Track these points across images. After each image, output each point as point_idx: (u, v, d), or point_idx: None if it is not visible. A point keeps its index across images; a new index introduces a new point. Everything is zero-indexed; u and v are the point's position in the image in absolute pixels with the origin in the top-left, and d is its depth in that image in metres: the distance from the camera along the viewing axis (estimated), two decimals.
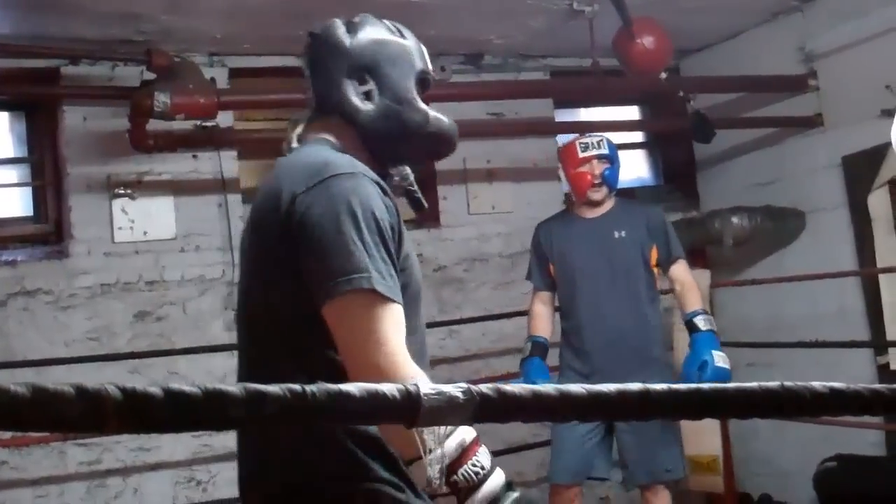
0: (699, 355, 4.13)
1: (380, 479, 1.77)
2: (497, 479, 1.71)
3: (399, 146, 2.01)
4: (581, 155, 4.42)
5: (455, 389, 0.78)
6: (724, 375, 4.11)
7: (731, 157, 5.97)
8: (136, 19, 4.50)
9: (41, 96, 4.98)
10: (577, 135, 4.58)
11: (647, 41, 4.72)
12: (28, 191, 5.06)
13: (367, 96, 1.97)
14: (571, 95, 6.13)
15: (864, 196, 5.04)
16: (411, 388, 0.77)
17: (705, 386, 0.86)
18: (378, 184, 1.82)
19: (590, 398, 0.78)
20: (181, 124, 4.62)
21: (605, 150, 4.40)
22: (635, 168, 6.44)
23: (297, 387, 0.76)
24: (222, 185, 5.05)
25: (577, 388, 0.80)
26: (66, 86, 4.87)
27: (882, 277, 4.98)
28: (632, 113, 6.51)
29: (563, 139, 5.95)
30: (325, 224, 1.73)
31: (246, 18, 4.65)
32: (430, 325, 5.29)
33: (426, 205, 2.15)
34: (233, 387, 0.77)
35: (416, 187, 2.07)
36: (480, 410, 0.79)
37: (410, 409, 0.77)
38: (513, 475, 5.45)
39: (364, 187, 1.77)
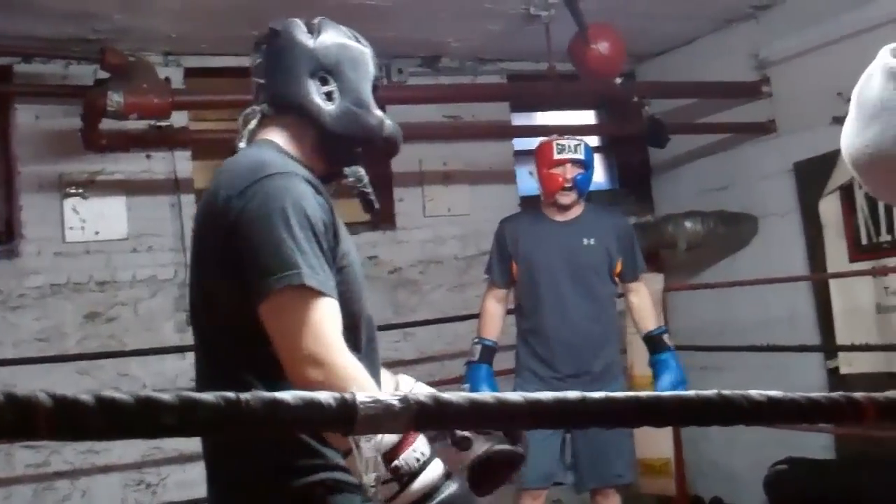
0: (680, 371, 4.25)
1: (336, 467, 1.80)
2: (437, 467, 1.74)
3: (354, 146, 2.05)
4: (556, 156, 4.35)
5: (392, 398, 0.78)
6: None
7: (685, 162, 6.02)
8: (90, 18, 4.45)
9: None
10: (555, 135, 4.49)
11: (602, 46, 4.75)
12: None
13: (329, 97, 1.99)
14: (528, 99, 6.15)
15: (815, 202, 5.10)
16: (347, 397, 0.77)
17: (643, 394, 0.86)
18: (311, 183, 1.85)
19: (528, 406, 0.79)
20: (135, 124, 4.58)
21: (580, 155, 4.35)
22: None
23: (231, 395, 0.75)
24: (176, 186, 5.01)
25: (515, 396, 0.80)
26: (19, 84, 4.81)
27: (832, 283, 5.04)
28: (588, 117, 6.54)
29: (518, 143, 6.00)
30: (257, 224, 1.76)
31: (201, 18, 4.62)
32: (385, 328, 5.30)
33: (378, 205, 2.19)
34: (165, 395, 0.76)
35: (369, 189, 2.11)
36: (418, 419, 0.79)
37: (347, 418, 0.77)
38: None
39: (296, 186, 1.80)
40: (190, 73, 5.13)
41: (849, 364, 5.02)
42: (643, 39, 5.64)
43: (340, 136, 2.01)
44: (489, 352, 4.40)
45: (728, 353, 5.58)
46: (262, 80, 2.05)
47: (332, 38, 2.07)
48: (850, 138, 1.33)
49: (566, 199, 4.31)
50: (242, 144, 2.01)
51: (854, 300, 4.95)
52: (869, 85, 1.32)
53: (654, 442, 5.30)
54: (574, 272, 4.28)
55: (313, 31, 2.07)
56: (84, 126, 4.54)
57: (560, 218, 4.38)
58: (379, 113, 2.08)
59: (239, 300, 1.78)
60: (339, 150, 2.03)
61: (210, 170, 5.26)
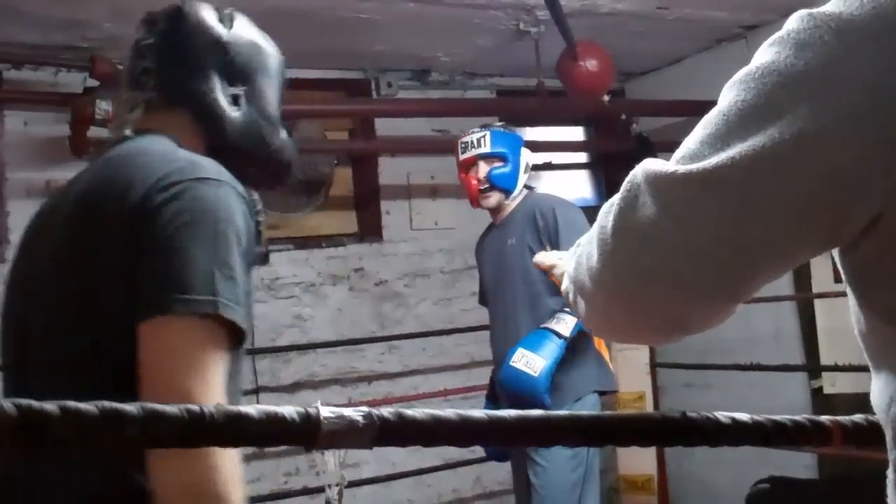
0: (513, 349, 3.58)
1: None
2: None
3: (248, 164, 1.71)
4: (461, 157, 3.89)
5: (355, 413, 0.79)
6: (510, 376, 3.55)
7: None
8: (80, 26, 4.45)
9: None
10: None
11: (590, 64, 4.77)
12: None
13: (235, 101, 1.69)
14: (516, 115, 6.13)
15: None
16: (311, 412, 0.78)
17: (605, 414, 0.87)
18: (243, 197, 1.53)
19: (490, 424, 0.79)
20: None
21: (486, 149, 3.80)
22: (579, 188, 6.49)
23: (195, 408, 0.75)
24: None
25: (478, 413, 0.80)
26: (8, 90, 4.81)
27: (817, 303, 5.06)
28: (576, 134, 6.56)
29: None
30: (181, 232, 1.42)
31: None
32: (370, 340, 5.32)
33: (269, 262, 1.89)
34: (130, 406, 0.77)
35: (262, 216, 1.72)
36: (380, 434, 0.79)
37: (309, 433, 0.77)
38: (449, 492, 5.49)
39: (231, 199, 1.49)
40: None
41: (832, 384, 5.03)
42: (632, 57, 5.67)
43: (239, 148, 1.69)
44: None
45: (713, 371, 5.59)
46: (150, 64, 1.69)
47: (248, 34, 1.77)
48: None
49: (487, 201, 3.83)
50: (128, 132, 1.68)
51: (839, 320, 4.96)
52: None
53: (637, 459, 5.30)
54: (504, 279, 3.84)
55: (227, 21, 1.76)
56: (72, 133, 4.53)
57: (497, 222, 3.95)
58: (283, 132, 1.79)
59: (119, 307, 1.41)
60: (231, 164, 1.60)
61: None
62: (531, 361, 3.47)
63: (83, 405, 0.80)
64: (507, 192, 3.82)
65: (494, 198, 3.82)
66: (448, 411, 0.83)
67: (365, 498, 5.13)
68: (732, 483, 5.31)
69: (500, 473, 5.67)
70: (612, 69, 4.97)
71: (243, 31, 1.75)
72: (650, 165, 1.07)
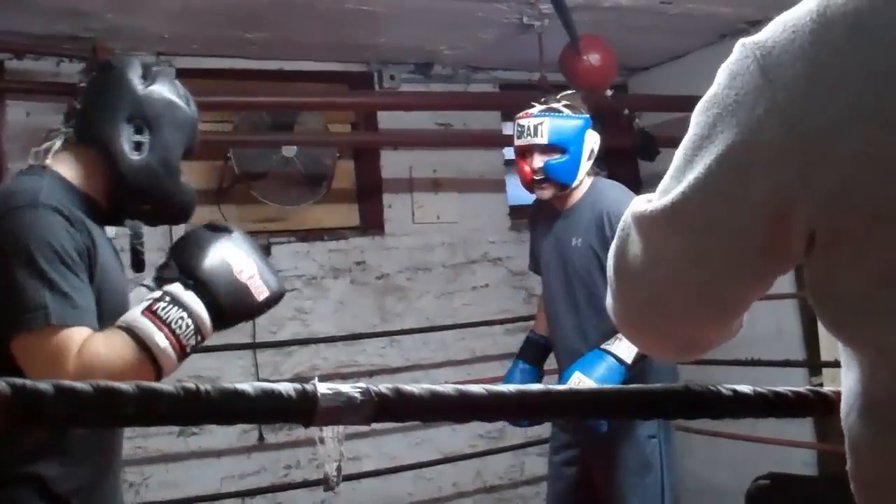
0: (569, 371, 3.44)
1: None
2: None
3: (142, 203, 2.03)
4: (516, 141, 3.66)
5: (353, 389, 0.78)
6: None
7: None
8: (82, 16, 4.44)
9: None
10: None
11: (593, 58, 4.75)
12: None
13: (138, 147, 1.98)
14: (519, 109, 6.12)
15: None
16: (308, 388, 0.77)
17: (607, 388, 0.86)
18: (62, 213, 1.81)
19: (490, 398, 0.79)
20: None
21: (542, 139, 3.53)
22: None
23: (191, 385, 0.75)
24: None
25: (477, 388, 0.80)
26: (10, 80, 4.80)
27: None
28: None
29: (509, 152, 5.99)
30: (2, 259, 1.75)
31: (194, 19, 4.61)
32: (372, 335, 5.31)
33: (144, 269, 2.16)
34: (126, 384, 0.76)
35: (142, 248, 2.11)
36: (379, 411, 0.79)
37: (307, 409, 0.77)
38: (449, 486, 5.48)
39: (41, 219, 1.77)
40: (182, 73, 5.06)
41: (832, 381, 5.02)
42: (635, 52, 5.66)
43: (133, 188, 1.99)
44: (531, 346, 3.93)
45: (713, 367, 5.55)
46: (77, 105, 2.03)
47: (164, 92, 2.05)
48: None
49: (542, 193, 3.62)
50: (31, 160, 1.99)
51: None
52: None
53: None
54: (565, 280, 3.65)
55: (149, 77, 2.06)
56: None
57: (559, 207, 3.69)
58: (181, 180, 2.09)
59: None
60: (127, 199, 2.01)
61: (200, 170, 5.27)
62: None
63: (77, 384, 0.79)
64: (566, 185, 3.58)
65: (549, 190, 3.58)
66: (447, 387, 0.82)
67: (365, 492, 5.12)
68: (732, 479, 5.31)
69: (500, 467, 5.67)
70: (616, 64, 4.96)
71: (161, 88, 2.05)
72: (635, 205, 1.16)
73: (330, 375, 5.28)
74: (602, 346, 3.37)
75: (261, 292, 1.92)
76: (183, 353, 1.78)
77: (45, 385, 0.76)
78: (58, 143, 1.98)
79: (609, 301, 1.20)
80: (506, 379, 3.98)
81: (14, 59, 4.76)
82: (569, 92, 3.77)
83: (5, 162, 4.78)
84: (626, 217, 1.17)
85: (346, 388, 0.78)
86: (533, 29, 4.92)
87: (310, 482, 4.95)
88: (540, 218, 3.89)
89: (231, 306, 1.87)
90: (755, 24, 5.35)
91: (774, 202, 0.99)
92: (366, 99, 5.57)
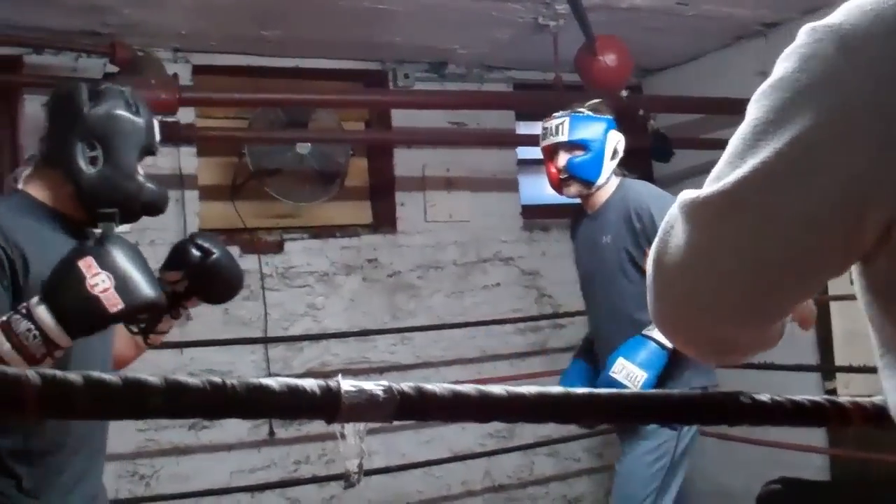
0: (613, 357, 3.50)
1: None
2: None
3: (108, 207, 2.23)
4: (542, 143, 3.73)
5: (376, 387, 0.79)
6: (612, 388, 3.35)
7: (690, 177, 6.01)
8: (101, 11, 4.47)
9: (3, 84, 4.92)
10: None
11: (609, 58, 4.76)
12: None
13: (93, 161, 2.25)
14: (533, 108, 6.14)
15: None
16: (332, 385, 0.78)
17: (627, 392, 0.87)
18: None
19: (509, 400, 0.80)
20: None
21: (564, 137, 3.60)
22: None
23: (217, 379, 0.76)
24: (180, 181, 5.02)
25: (497, 389, 0.81)
26: (29, 74, 4.82)
27: (833, 305, 5.04)
28: None
29: (522, 152, 6.01)
30: None
31: (211, 16, 4.63)
32: (383, 332, 5.33)
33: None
34: (153, 377, 0.78)
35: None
36: (400, 409, 0.80)
37: (331, 405, 0.78)
38: (458, 484, 5.49)
39: None
40: (198, 70, 5.15)
41: (846, 386, 5.02)
42: (651, 53, 5.66)
43: (95, 197, 2.25)
44: (586, 345, 3.95)
45: (726, 370, 5.56)
46: (43, 132, 2.32)
47: (108, 108, 2.29)
48: None
49: (568, 191, 3.69)
50: (14, 184, 2.31)
51: (854, 322, 4.94)
52: None
53: None
54: (600, 276, 3.72)
55: (94, 98, 2.30)
56: None
57: (590, 210, 3.78)
58: (140, 179, 2.34)
59: None
60: (93, 207, 2.23)
61: (215, 166, 5.29)
62: (632, 374, 3.36)
63: (106, 376, 0.81)
64: (590, 183, 3.64)
65: (575, 188, 3.66)
66: (467, 386, 0.83)
67: (374, 489, 5.14)
68: (744, 483, 5.31)
69: (509, 466, 5.68)
70: (631, 64, 4.97)
71: (106, 105, 2.29)
72: (684, 195, 1.09)
73: (340, 371, 5.29)
74: (644, 332, 3.42)
75: (114, 304, 1.99)
76: (34, 359, 1.94)
77: (74, 376, 0.78)
78: (29, 169, 2.30)
79: (648, 297, 1.13)
80: (562, 378, 4.00)
81: (33, 53, 4.78)
82: (595, 101, 3.79)
83: (23, 155, 4.81)
84: (672, 208, 1.11)
85: (369, 385, 0.79)
86: (548, 29, 4.92)
87: (319, 478, 4.97)
88: (575, 225, 3.95)
89: (77, 318, 1.99)
90: (771, 26, 5.35)
91: (851, 189, 0.94)
92: (380, 97, 5.59)
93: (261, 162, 5.15)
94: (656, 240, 1.11)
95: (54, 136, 2.28)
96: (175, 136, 4.85)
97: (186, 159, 5.05)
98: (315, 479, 4.99)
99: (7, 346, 1.92)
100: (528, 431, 5.64)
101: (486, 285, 5.78)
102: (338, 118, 5.48)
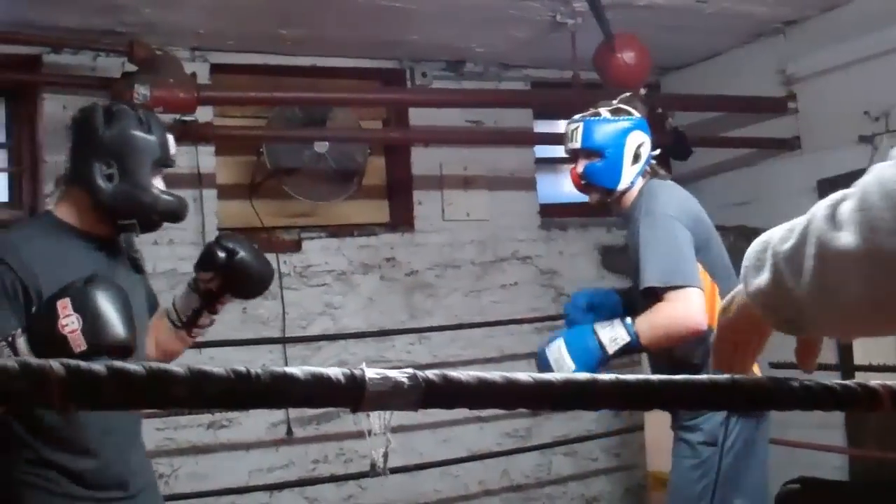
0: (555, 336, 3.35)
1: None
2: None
3: (127, 220, 2.54)
4: (565, 148, 3.55)
5: (401, 375, 0.79)
6: (541, 362, 3.33)
7: (707, 176, 6.00)
8: (119, 10, 4.49)
9: (22, 83, 4.94)
10: None
11: (628, 56, 4.75)
12: (4, 176, 5.03)
13: (109, 178, 2.48)
14: (551, 107, 6.14)
15: None
16: (356, 373, 0.78)
17: (654, 378, 0.86)
18: (2, 260, 2.37)
19: (536, 386, 0.79)
20: (160, 117, 4.60)
21: (577, 143, 3.41)
22: None
23: (241, 369, 0.76)
24: (198, 180, 5.03)
25: (523, 376, 0.80)
26: (47, 73, 4.84)
27: None
28: None
29: (540, 150, 6.00)
30: None
31: (229, 15, 4.64)
32: (400, 331, 5.33)
33: (145, 269, 2.77)
34: (177, 367, 0.77)
35: (137, 254, 2.65)
36: (426, 396, 0.79)
37: (355, 393, 0.77)
38: (476, 483, 5.49)
39: None
40: (216, 69, 5.16)
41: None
42: (669, 51, 5.64)
43: (113, 209, 2.49)
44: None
45: None
46: (67, 154, 2.58)
47: (121, 128, 2.52)
48: None
49: (592, 199, 3.50)
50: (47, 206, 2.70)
51: None
52: None
53: (667, 456, 5.25)
54: (633, 279, 3.48)
55: (109, 120, 2.53)
56: None
57: (618, 212, 3.56)
58: (155, 192, 2.55)
59: None
60: (114, 220, 2.51)
61: (233, 165, 5.30)
62: (560, 362, 3.22)
63: (130, 366, 0.80)
64: (608, 189, 3.42)
65: (595, 195, 3.45)
66: (494, 374, 0.82)
67: (392, 488, 5.14)
68: None
69: (527, 466, 5.67)
70: (650, 62, 4.95)
71: (119, 126, 2.52)
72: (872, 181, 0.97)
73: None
74: (595, 327, 3.24)
75: (78, 346, 2.16)
76: None
77: (98, 367, 0.77)
78: (58, 193, 2.59)
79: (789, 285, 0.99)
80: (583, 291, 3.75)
81: (51, 52, 4.80)
82: (625, 95, 3.62)
83: (42, 154, 4.83)
84: (836, 197, 0.99)
85: (393, 373, 0.79)
86: (566, 27, 4.92)
87: (337, 477, 4.98)
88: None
89: (47, 353, 2.02)
90: (790, 24, 5.33)
91: None
92: (397, 95, 5.59)
93: (279, 161, 5.15)
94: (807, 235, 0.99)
95: (74, 156, 2.53)
96: (193, 135, 4.86)
97: (204, 158, 5.06)
98: (333, 479, 4.99)
99: None
100: (546, 431, 5.62)
101: (503, 284, 5.77)
102: (355, 117, 5.48)
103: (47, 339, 2.18)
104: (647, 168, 3.48)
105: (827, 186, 5.20)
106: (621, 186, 3.42)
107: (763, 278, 1.03)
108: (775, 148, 5.58)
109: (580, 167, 3.43)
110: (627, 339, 3.18)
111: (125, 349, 2.27)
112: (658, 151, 3.59)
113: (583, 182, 3.45)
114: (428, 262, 5.60)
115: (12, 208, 4.97)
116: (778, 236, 1.04)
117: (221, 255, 2.68)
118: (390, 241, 5.52)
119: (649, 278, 3.15)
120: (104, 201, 2.48)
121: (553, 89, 5.91)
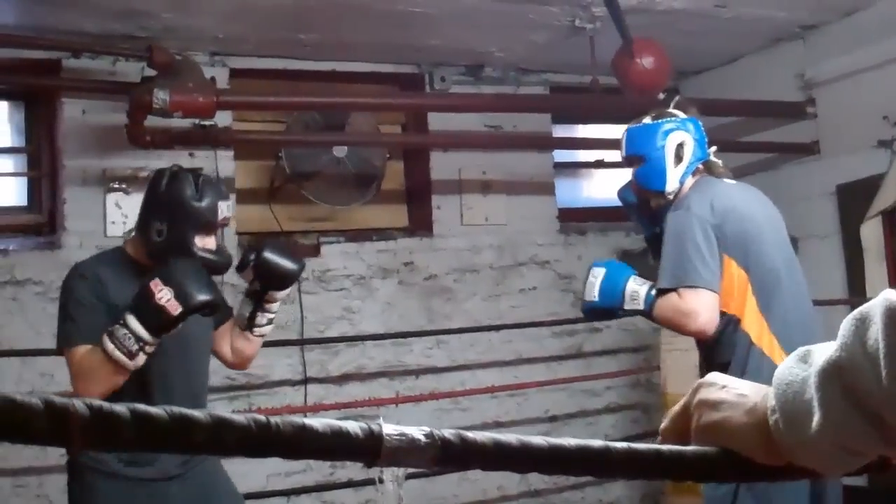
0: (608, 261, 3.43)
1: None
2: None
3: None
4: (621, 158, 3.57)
5: (418, 432, 0.79)
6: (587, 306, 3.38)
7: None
8: (138, 15, 4.51)
9: (41, 88, 4.97)
10: None
11: (647, 61, 4.74)
12: (24, 181, 5.06)
13: (160, 234, 2.92)
14: (570, 111, 6.14)
15: (856, 226, 5.05)
16: (374, 428, 0.78)
17: (664, 448, 0.86)
18: (86, 276, 2.91)
19: (549, 451, 0.79)
20: (179, 122, 4.63)
21: (623, 151, 3.47)
22: None
23: (262, 418, 0.77)
24: None
25: (538, 440, 0.80)
26: (67, 78, 4.87)
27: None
28: None
29: (559, 155, 5.99)
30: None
31: (248, 20, 4.65)
32: (419, 335, 5.33)
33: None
34: (199, 412, 0.78)
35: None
36: (442, 455, 0.79)
37: (372, 449, 0.78)
38: (494, 489, 5.49)
39: (71, 282, 2.93)
40: (235, 73, 5.18)
41: None
42: (688, 56, 5.62)
43: (159, 260, 2.86)
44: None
45: None
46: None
47: (175, 192, 2.94)
48: None
49: (652, 204, 3.47)
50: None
51: None
52: None
53: None
54: None
55: (171, 183, 2.97)
56: (129, 122, 4.59)
57: None
58: (195, 250, 2.92)
59: None
60: (159, 264, 2.87)
61: (252, 170, 5.32)
62: (592, 285, 3.29)
63: (152, 409, 0.81)
64: (657, 192, 3.39)
65: (653, 200, 3.41)
66: (509, 436, 0.83)
67: (410, 492, 5.13)
68: None
69: None
70: (669, 67, 4.94)
71: (173, 189, 2.95)
72: None
73: (376, 374, 5.31)
74: (633, 276, 3.29)
75: (175, 309, 2.67)
76: (130, 354, 2.68)
77: (121, 409, 0.78)
78: (132, 233, 3.03)
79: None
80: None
81: (71, 57, 4.83)
82: (677, 99, 3.63)
83: (61, 158, 4.86)
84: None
85: (410, 430, 0.79)
86: (585, 31, 4.91)
87: (355, 482, 4.99)
88: None
89: (153, 322, 2.68)
90: (809, 29, 5.31)
91: None
92: (416, 100, 5.59)
93: (297, 165, 5.17)
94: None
95: (142, 209, 3.00)
96: (212, 139, 4.89)
97: (224, 163, 5.08)
98: (351, 484, 5.00)
99: (111, 345, 2.67)
100: (564, 435, 5.62)
101: (522, 289, 5.77)
102: (374, 121, 5.49)
103: (150, 311, 2.67)
104: (700, 166, 3.43)
105: (846, 191, 5.18)
106: (670, 188, 3.38)
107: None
108: (794, 152, 5.56)
109: (631, 174, 3.44)
110: (642, 307, 3.24)
111: (211, 305, 2.76)
112: (714, 148, 3.56)
113: (637, 188, 3.45)
114: (446, 266, 5.60)
115: (30, 213, 5.01)
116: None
117: (249, 257, 3.13)
118: (409, 245, 5.52)
119: (661, 280, 3.17)
120: (152, 251, 2.93)
121: (572, 94, 5.90)
